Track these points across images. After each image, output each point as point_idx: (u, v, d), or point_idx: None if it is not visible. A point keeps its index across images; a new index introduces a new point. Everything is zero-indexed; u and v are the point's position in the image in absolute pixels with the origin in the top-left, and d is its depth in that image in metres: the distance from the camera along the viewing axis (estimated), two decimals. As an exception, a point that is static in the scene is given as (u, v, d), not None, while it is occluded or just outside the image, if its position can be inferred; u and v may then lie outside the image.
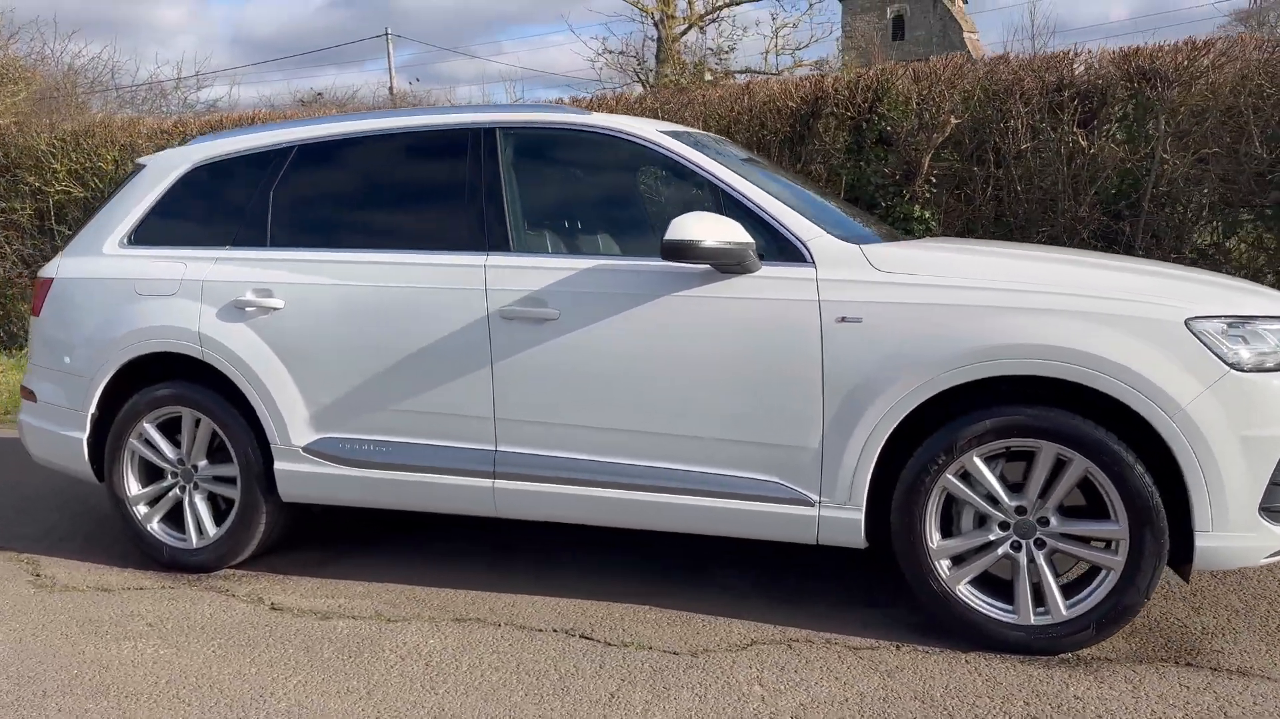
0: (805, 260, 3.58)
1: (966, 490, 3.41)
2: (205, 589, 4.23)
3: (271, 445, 4.20)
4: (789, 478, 3.56)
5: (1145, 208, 7.02)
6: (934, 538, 3.45)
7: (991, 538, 3.41)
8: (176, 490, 4.43)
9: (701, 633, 3.63)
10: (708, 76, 14.87)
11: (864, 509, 3.49)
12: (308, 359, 4.13)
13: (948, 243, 4.50)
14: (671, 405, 3.66)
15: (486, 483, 3.92)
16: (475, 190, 4.02)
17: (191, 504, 4.40)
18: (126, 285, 4.44)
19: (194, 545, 4.39)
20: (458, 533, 4.81)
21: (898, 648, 3.47)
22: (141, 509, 4.48)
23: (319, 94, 31.97)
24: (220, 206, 4.51)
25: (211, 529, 4.37)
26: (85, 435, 4.50)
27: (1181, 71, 6.87)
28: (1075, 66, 7.21)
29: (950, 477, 3.40)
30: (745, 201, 3.69)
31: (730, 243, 3.49)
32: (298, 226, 4.33)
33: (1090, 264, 3.74)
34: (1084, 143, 7.03)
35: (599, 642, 3.59)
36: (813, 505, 3.53)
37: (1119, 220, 7.04)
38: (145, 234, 4.55)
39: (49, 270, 4.72)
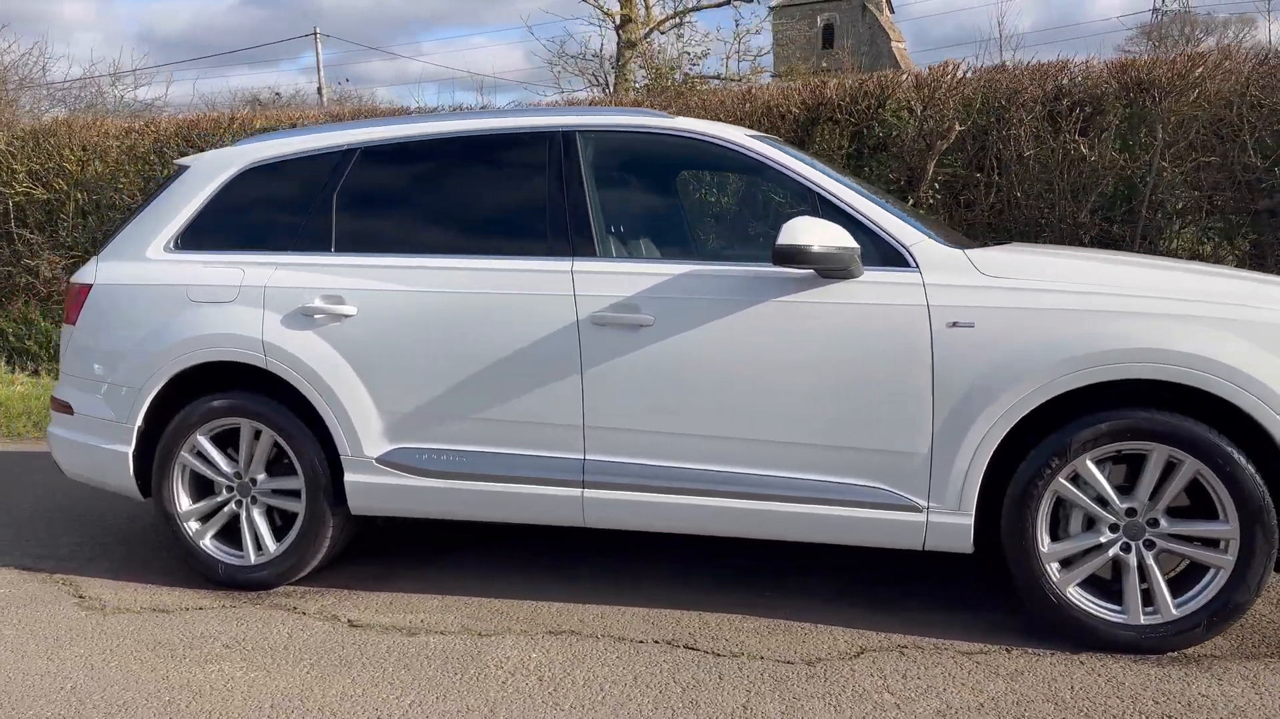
0: (909, 265, 3.58)
1: (1078, 493, 3.44)
2: (270, 608, 4.07)
3: (342, 457, 4.06)
4: (896, 484, 3.56)
5: (1143, 214, 7.22)
6: (1045, 542, 3.47)
7: (1102, 540, 3.45)
8: (232, 505, 4.26)
9: (806, 641, 3.60)
10: (677, 76, 14.92)
11: (974, 514, 3.50)
12: (382, 368, 4.00)
13: (1033, 248, 4.54)
14: (774, 412, 3.63)
15: (575, 492, 3.84)
16: (556, 195, 3.95)
17: (249, 519, 4.23)
18: (177, 292, 4.25)
19: (252, 562, 4.22)
20: (515, 542, 4.71)
21: (1008, 651, 3.49)
22: (193, 525, 4.29)
23: (277, 94, 31.18)
24: (277, 210, 4.35)
25: (271, 545, 4.20)
26: (131, 449, 4.30)
27: (1178, 81, 7.07)
28: (1073, 76, 7.38)
29: (1063, 480, 3.43)
30: (844, 207, 3.68)
31: (840, 248, 3.48)
32: (365, 231, 4.20)
33: (1179, 270, 3.81)
34: (1085, 150, 7.19)
35: (706, 652, 3.54)
36: (921, 511, 3.53)
37: (1118, 226, 7.22)
38: (193, 238, 4.37)
39: (84, 276, 4.50)
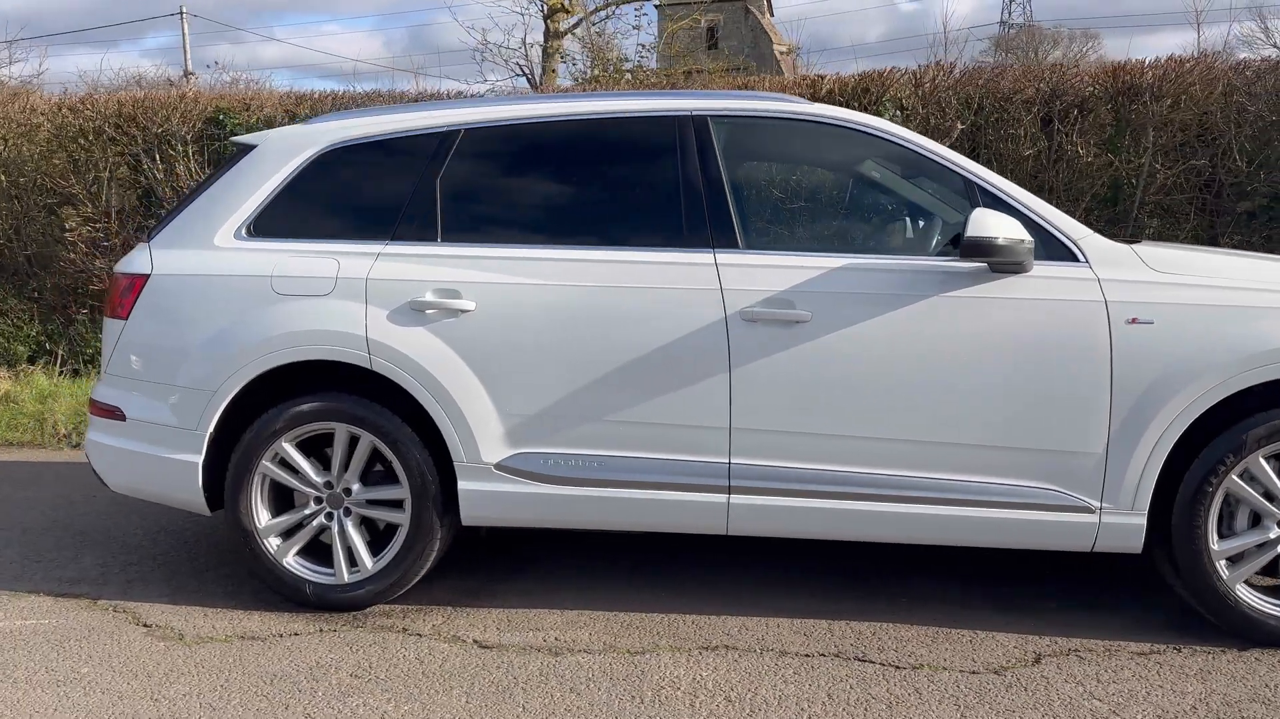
0: (1078, 260, 3.50)
1: (1249, 490, 3.43)
2: (377, 630, 3.71)
3: (455, 464, 3.73)
4: (1067, 485, 3.47)
5: (1135, 214, 7.42)
6: (1214, 539, 3.45)
7: (1271, 536, 3.44)
8: (321, 518, 3.87)
9: (977, 649, 3.49)
10: (625, 65, 14.69)
11: (1146, 514, 3.45)
12: (504, 367, 3.69)
13: (1176, 245, 4.51)
14: (941, 412, 3.50)
15: (719, 498, 3.63)
16: (691, 182, 3.72)
17: (342, 533, 3.85)
18: (259, 283, 3.83)
19: (345, 580, 3.84)
20: (594, 550, 4.44)
21: (1178, 650, 3.46)
22: (274, 542, 3.88)
23: (188, 73, 29.30)
24: (368, 195, 3.98)
25: (368, 561, 3.83)
26: (201, 459, 3.85)
27: (1169, 86, 7.29)
28: (1068, 78, 7.52)
29: (1235, 477, 3.42)
30: (1008, 199, 3.57)
31: (1022, 241, 3.38)
32: (475, 220, 3.88)
33: None
34: (1082, 151, 7.34)
35: (884, 664, 3.38)
36: (1093, 513, 3.46)
37: (1114, 225, 7.40)
38: (270, 225, 3.95)
39: (136, 265, 4.01)
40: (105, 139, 8.43)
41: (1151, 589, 3.93)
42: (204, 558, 4.51)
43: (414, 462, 3.75)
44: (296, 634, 3.69)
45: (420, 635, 3.66)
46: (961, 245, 3.36)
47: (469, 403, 3.70)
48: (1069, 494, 3.47)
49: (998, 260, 3.40)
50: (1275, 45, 26.85)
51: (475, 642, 3.60)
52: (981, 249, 3.34)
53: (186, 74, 37.73)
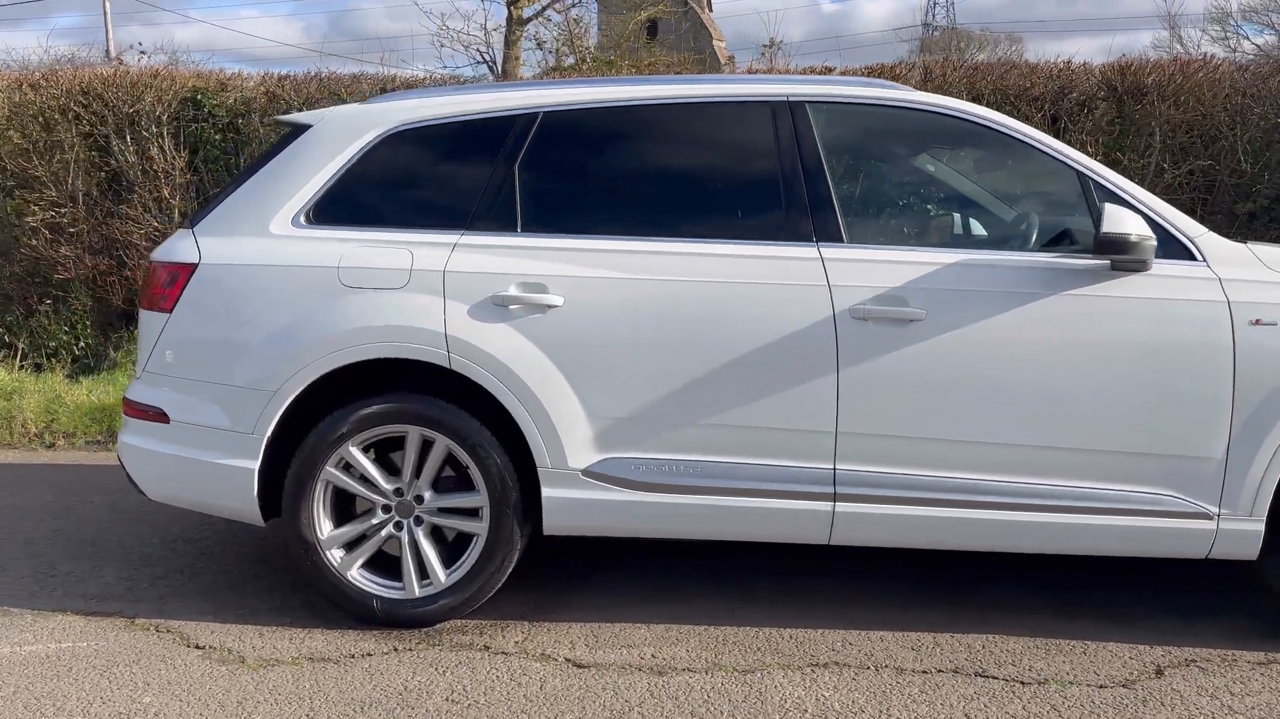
0: (1195, 258, 3.40)
1: (1365, 495, 3.36)
2: (456, 648, 3.45)
3: (539, 469, 3.48)
4: (1185, 490, 3.37)
5: (1140, 213, 7.42)
6: (1324, 544, 3.38)
7: (1388, 543, 3.39)
8: (390, 528, 3.59)
9: (1095, 661, 3.36)
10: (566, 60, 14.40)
11: (1265, 520, 3.36)
12: (594, 366, 3.46)
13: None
14: (1058, 415, 3.36)
15: (824, 506, 3.44)
16: (790, 171, 3.52)
17: (414, 544, 3.57)
18: (324, 275, 3.53)
19: (417, 594, 3.57)
20: (664, 558, 4.23)
21: (1292, 660, 3.39)
22: (337, 554, 3.59)
23: (142, 52, 27.89)
24: (440, 181, 3.71)
25: (441, 573, 3.56)
26: (258, 465, 3.55)
27: (1175, 86, 7.31)
28: (1077, 75, 7.50)
29: (1350, 482, 3.34)
30: (1124, 194, 3.45)
31: (1149, 238, 3.26)
32: (558, 209, 3.63)
33: None
34: (1090, 150, 7.32)
35: (1006, 679, 3.23)
36: (1211, 519, 3.36)
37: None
38: (331, 212, 3.65)
39: (180, 253, 3.68)
40: (70, 118, 7.92)
41: (1223, 594, 3.86)
42: (236, 570, 4.19)
43: (494, 467, 3.49)
44: (369, 655, 3.41)
45: (506, 654, 3.41)
46: (1097, 241, 3.23)
47: (555, 405, 3.46)
48: (1187, 500, 3.37)
49: (1125, 259, 3.28)
50: (1187, 51, 27.70)
51: (567, 660, 3.37)
52: (1116, 246, 3.21)
53: (109, 54, 36.33)
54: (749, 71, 10.15)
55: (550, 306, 3.46)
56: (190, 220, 3.79)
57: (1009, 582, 4.00)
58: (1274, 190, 7.31)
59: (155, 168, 7.82)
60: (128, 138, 7.87)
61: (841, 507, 3.43)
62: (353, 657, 3.40)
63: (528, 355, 3.45)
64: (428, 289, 3.49)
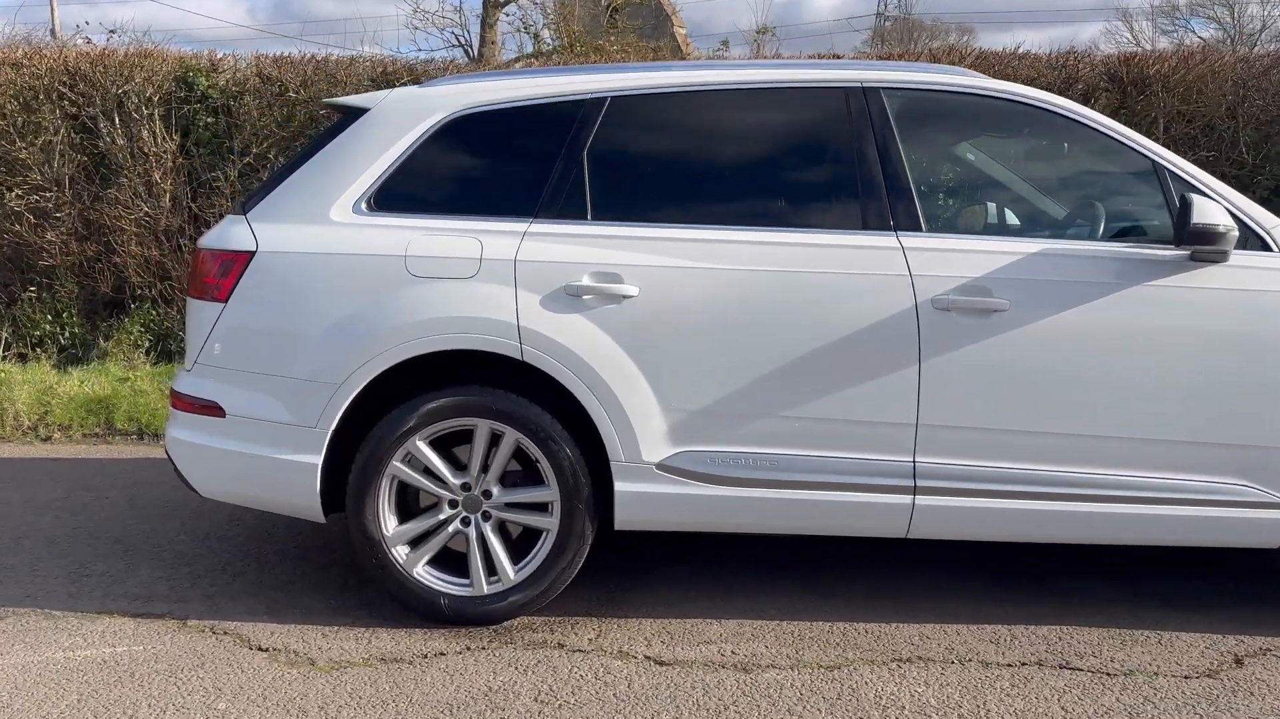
0: (1271, 249, 3.40)
1: None
2: (531, 646, 3.36)
3: (612, 463, 3.40)
4: (1259, 481, 3.37)
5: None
6: (1403, 535, 3.41)
7: None
8: (458, 524, 3.49)
9: (1173, 651, 3.36)
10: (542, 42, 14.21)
11: None
12: (669, 358, 3.38)
13: None
14: (1136, 407, 3.35)
15: (904, 499, 3.41)
16: (867, 159, 3.47)
17: (481, 540, 3.48)
18: (390, 264, 3.42)
19: (485, 591, 3.47)
20: (718, 551, 4.17)
21: (1365, 647, 3.42)
22: (402, 551, 3.49)
23: (111, 31, 26.90)
24: (507, 167, 3.60)
25: (510, 570, 3.47)
26: (321, 460, 3.43)
27: (1178, 78, 7.38)
28: (1082, 66, 7.55)
29: None
30: (1201, 185, 3.44)
31: (1233, 229, 3.25)
32: (629, 196, 3.54)
33: None
34: (1096, 139, 7.36)
35: (1093, 672, 3.22)
36: (1283, 508, 3.38)
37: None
38: (393, 198, 3.53)
39: (235, 241, 3.53)
40: (54, 98, 7.64)
41: (1252, 581, 3.90)
42: (279, 568, 4.06)
43: (566, 461, 3.41)
44: (442, 654, 3.32)
45: (583, 652, 3.34)
46: (1187, 232, 3.22)
47: (630, 397, 3.38)
48: (1264, 490, 3.37)
49: (1211, 250, 3.27)
50: (1139, 44, 28.11)
51: (647, 658, 3.30)
52: (1205, 237, 3.20)
53: (54, 33, 35.31)
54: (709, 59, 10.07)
55: (625, 297, 3.37)
56: (242, 206, 3.65)
57: (1075, 572, 3.99)
58: (1273, 182, 7.41)
59: (145, 150, 7.58)
60: (116, 119, 7.61)
61: (921, 500, 3.40)
62: (425, 657, 3.30)
63: (602, 347, 3.37)
64: (498, 279, 3.39)
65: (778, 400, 3.39)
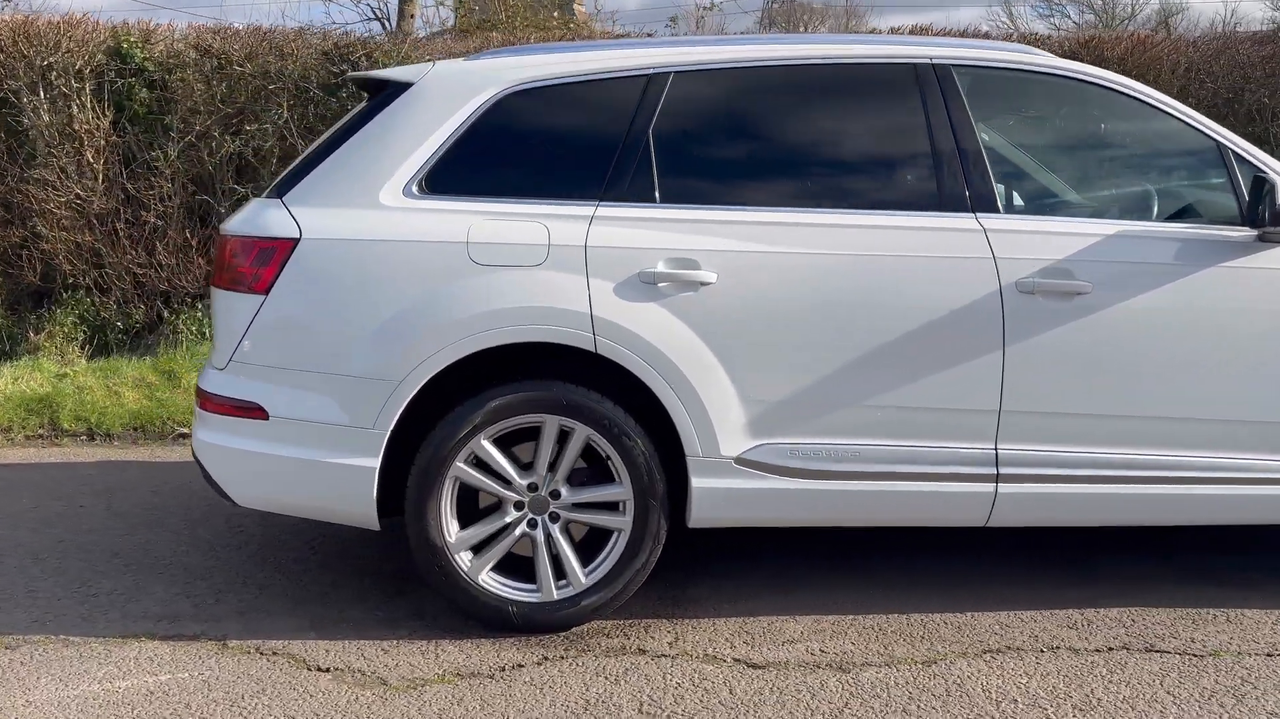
0: (1328, 229, 3.44)
1: None
2: (612, 653, 3.19)
3: (688, 458, 3.25)
4: None
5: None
6: None
7: None
8: (524, 526, 3.29)
9: (1244, 629, 3.37)
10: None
11: None
12: (748, 347, 3.24)
13: None
14: (1220, 388, 3.35)
15: (985, 488, 3.34)
16: (941, 137, 3.37)
17: (549, 542, 3.28)
18: (452, 251, 3.18)
19: (555, 597, 3.28)
20: (761, 547, 4.06)
21: None
22: (466, 558, 3.27)
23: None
24: (567, 147, 3.40)
25: (581, 574, 3.29)
26: (379, 463, 3.18)
27: (1136, 60, 7.53)
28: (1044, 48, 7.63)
29: None
30: (1267, 167, 3.44)
31: (1309, 212, 3.27)
32: (698, 177, 3.38)
33: None
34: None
35: (1179, 653, 3.20)
36: (1352, 485, 3.43)
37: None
38: (447, 180, 3.28)
39: (274, 227, 3.23)
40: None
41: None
42: (306, 577, 3.78)
43: (640, 457, 3.24)
44: (520, 666, 3.12)
45: (668, 657, 3.18)
46: (1271, 214, 3.22)
47: (708, 389, 3.22)
48: None
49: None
50: (1016, 29, 28.92)
51: (737, 660, 3.17)
52: None
53: None
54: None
55: (702, 284, 3.21)
56: (276, 190, 3.35)
57: (1110, 550, 4.01)
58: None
59: (75, 128, 7.03)
60: (41, 94, 7.04)
61: (1006, 488, 3.34)
62: (504, 669, 3.10)
63: (679, 337, 3.20)
64: (568, 266, 3.19)
65: (859, 389, 3.28)
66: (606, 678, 3.04)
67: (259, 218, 3.29)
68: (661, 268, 3.20)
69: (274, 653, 3.19)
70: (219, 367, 3.32)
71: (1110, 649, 3.25)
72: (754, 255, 3.25)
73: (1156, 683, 3.04)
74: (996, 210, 3.36)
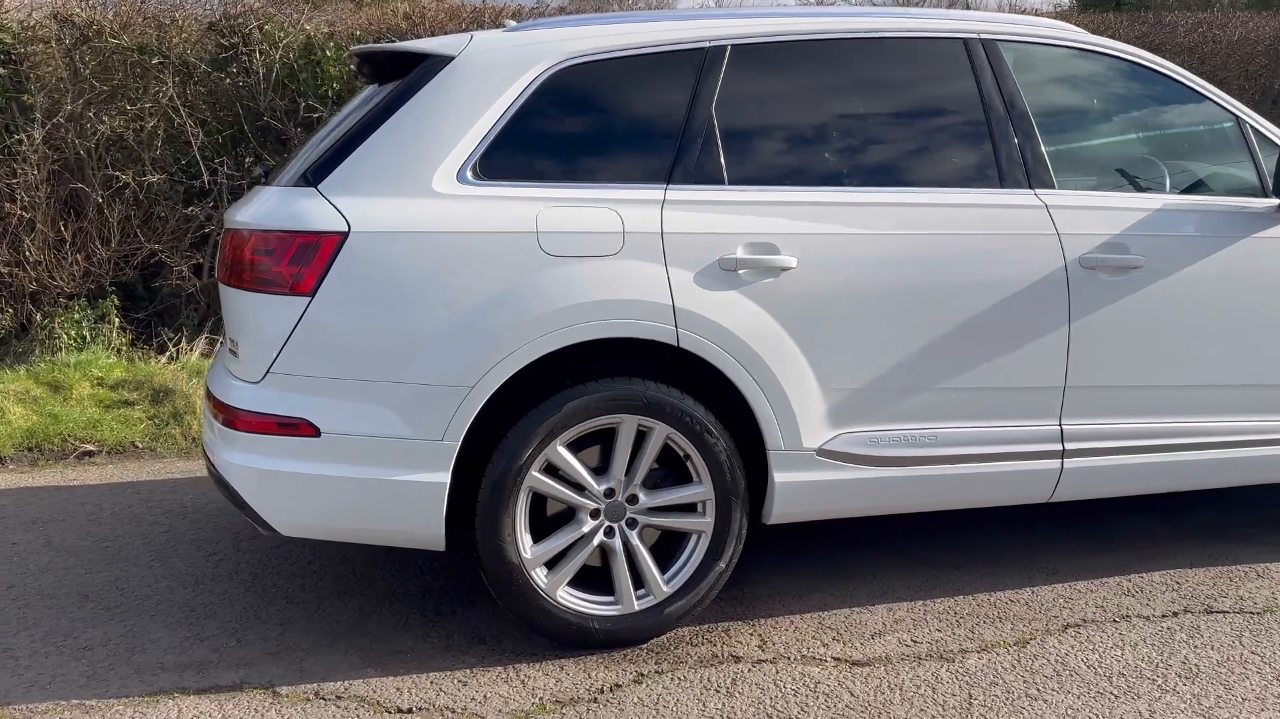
0: (1343, 200, 3.61)
1: None
2: (706, 664, 3.02)
3: (770, 452, 3.10)
4: None
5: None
6: None
7: None
8: (602, 535, 3.06)
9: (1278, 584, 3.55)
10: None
11: None
12: (828, 334, 3.12)
13: None
14: (1253, 354, 3.49)
15: (1051, 464, 3.36)
16: (997, 112, 3.35)
17: (628, 550, 3.07)
18: (522, 242, 2.90)
19: (636, 608, 3.08)
20: (795, 536, 3.96)
21: None
22: (541, 574, 3.02)
23: None
24: (628, 126, 3.16)
25: (660, 580, 3.09)
26: (449, 478, 2.88)
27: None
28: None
29: None
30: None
31: (1327, 183, 3.43)
32: (763, 156, 3.22)
33: None
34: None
35: (1238, 612, 3.32)
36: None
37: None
38: (502, 164, 2.99)
39: (315, 219, 2.85)
40: None
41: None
42: (327, 605, 3.42)
43: (723, 455, 3.07)
44: (618, 686, 2.91)
45: (767, 661, 3.03)
46: None
47: (790, 379, 3.09)
48: None
49: (1315, 202, 3.43)
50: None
51: (837, 659, 3.05)
52: None
53: None
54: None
55: (783, 269, 3.06)
56: (308, 177, 2.96)
57: (1120, 512, 4.12)
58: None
59: (-80, 112, 6.16)
60: (-128, 70, 6.13)
61: (1071, 463, 3.36)
62: (603, 691, 2.88)
63: (762, 326, 3.04)
64: (646, 255, 2.97)
65: (937, 371, 3.22)
66: (717, 690, 2.87)
67: (293, 209, 2.91)
68: (741, 253, 3.03)
69: (338, 697, 2.86)
70: (252, 379, 2.92)
71: (1175, 614, 3.33)
72: (832, 238, 3.12)
73: (1236, 643, 3.12)
74: (1052, 186, 3.36)
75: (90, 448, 5.39)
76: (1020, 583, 3.56)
